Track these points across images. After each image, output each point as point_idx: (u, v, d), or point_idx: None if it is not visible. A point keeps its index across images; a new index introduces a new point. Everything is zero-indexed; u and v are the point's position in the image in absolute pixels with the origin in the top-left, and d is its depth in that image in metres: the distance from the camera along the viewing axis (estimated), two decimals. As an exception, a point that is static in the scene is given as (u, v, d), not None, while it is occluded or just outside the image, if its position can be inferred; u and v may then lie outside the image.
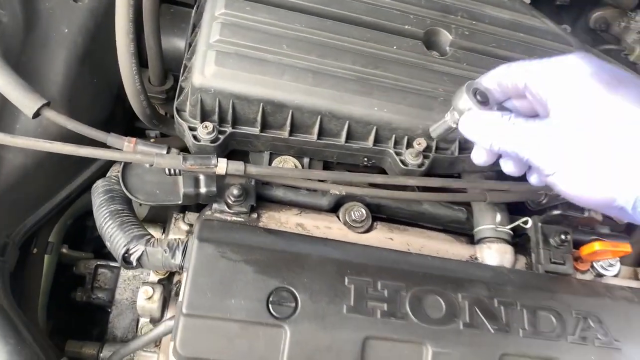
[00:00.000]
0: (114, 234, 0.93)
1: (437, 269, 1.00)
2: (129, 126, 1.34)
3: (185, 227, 1.19)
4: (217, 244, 0.91)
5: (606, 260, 1.20)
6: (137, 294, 1.36)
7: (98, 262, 1.38)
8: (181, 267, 0.93)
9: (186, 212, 1.18)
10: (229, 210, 1.00)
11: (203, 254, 0.89)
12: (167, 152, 0.98)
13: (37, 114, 0.92)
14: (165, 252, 0.92)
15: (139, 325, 1.07)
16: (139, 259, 0.92)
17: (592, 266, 1.22)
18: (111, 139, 0.96)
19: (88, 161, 1.16)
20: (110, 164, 1.16)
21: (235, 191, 0.98)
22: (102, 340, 1.30)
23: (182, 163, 0.92)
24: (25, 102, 0.90)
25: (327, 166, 1.22)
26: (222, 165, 0.94)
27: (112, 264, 1.39)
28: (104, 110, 1.16)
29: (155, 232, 1.28)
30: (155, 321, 1.09)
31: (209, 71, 1.03)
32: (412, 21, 1.16)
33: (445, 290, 0.97)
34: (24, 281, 1.14)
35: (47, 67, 1.02)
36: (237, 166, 0.95)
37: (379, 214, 1.20)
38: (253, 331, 0.87)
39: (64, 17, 1.05)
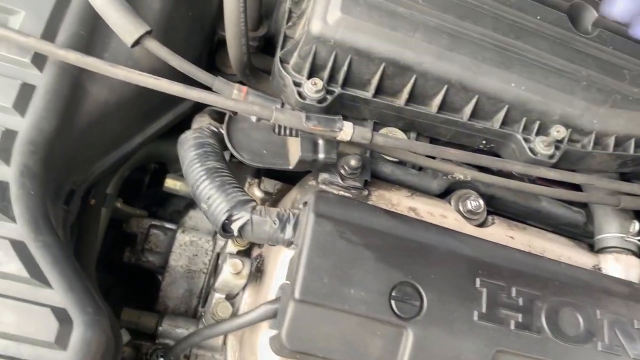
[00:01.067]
0: (214, 197, 0.79)
1: (572, 278, 0.86)
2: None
3: (260, 195, 1.05)
4: (335, 221, 0.77)
5: None
6: (193, 262, 1.23)
7: (152, 222, 1.23)
8: (290, 243, 0.79)
9: (262, 177, 1.03)
10: (340, 183, 0.85)
11: (320, 231, 0.75)
12: (282, 106, 0.83)
13: (136, 43, 0.76)
14: (275, 223, 0.78)
15: (212, 303, 0.93)
16: (241, 228, 0.78)
17: None
18: (219, 83, 0.81)
19: (167, 107, 1.01)
20: (191, 114, 1.01)
21: (353, 162, 0.83)
22: (153, 309, 1.17)
23: (304, 122, 0.77)
24: (127, 27, 0.75)
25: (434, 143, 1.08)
26: (347, 130, 0.79)
27: (168, 225, 1.24)
28: (195, 50, 1.00)
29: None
30: (231, 298, 0.95)
31: (333, 18, 0.87)
32: (559, -10, 1.00)
33: (583, 304, 0.84)
34: (81, 235, 1.00)
35: (145, -6, 0.86)
36: (363, 133, 0.80)
37: (489, 207, 1.05)
38: (372, 329, 0.74)
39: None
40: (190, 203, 1.24)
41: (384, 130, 1.01)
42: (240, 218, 0.78)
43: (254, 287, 0.95)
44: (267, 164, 0.82)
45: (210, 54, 1.12)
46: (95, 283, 1.00)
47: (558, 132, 0.95)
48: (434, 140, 1.06)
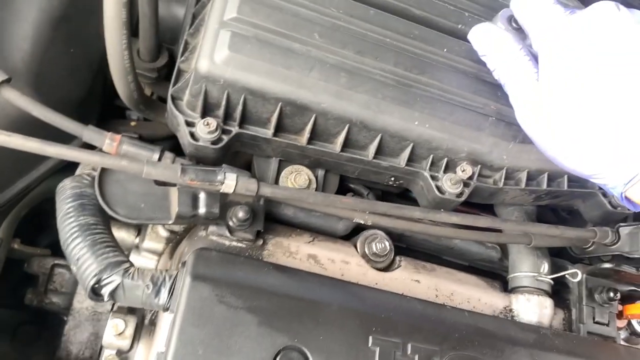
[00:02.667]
0: (83, 257, 0.72)
1: (474, 328, 0.83)
2: (108, 104, 1.11)
3: (165, 234, 0.99)
4: (214, 284, 0.71)
5: (646, 318, 1.06)
6: (99, 303, 1.16)
7: (55, 261, 1.16)
8: (166, 309, 0.73)
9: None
10: (229, 236, 0.80)
11: (197, 296, 0.70)
12: (160, 156, 0.77)
13: (-9, 92, 0.69)
14: (148, 288, 0.72)
15: (102, 358, 0.87)
16: (112, 293, 0.72)
17: (629, 323, 1.08)
18: (88, 133, 0.74)
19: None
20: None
21: (240, 214, 0.78)
22: (53, 355, 1.10)
23: (179, 176, 0.71)
24: (-23, 75, 0.68)
25: (342, 179, 1.03)
26: (230, 183, 0.74)
27: (73, 263, 1.17)
28: (80, 88, 0.93)
29: (128, 235, 1.08)
30: (122, 353, 0.89)
31: (220, 57, 0.81)
32: (467, 20, 0.96)
33: (484, 357, 0.80)
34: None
35: (12, 30, 0.78)
36: (248, 185, 0.75)
37: (400, 244, 1.02)
38: (252, 401, 0.69)
39: (37, -34, 0.81)
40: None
41: (289, 168, 0.97)
42: (111, 282, 0.71)
43: (147, 342, 0.89)
44: (145, 220, 0.76)
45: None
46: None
47: (464, 171, 0.92)
48: (343, 176, 1.02)
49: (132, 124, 1.13)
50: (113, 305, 0.99)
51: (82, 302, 1.12)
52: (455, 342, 0.80)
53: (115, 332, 0.79)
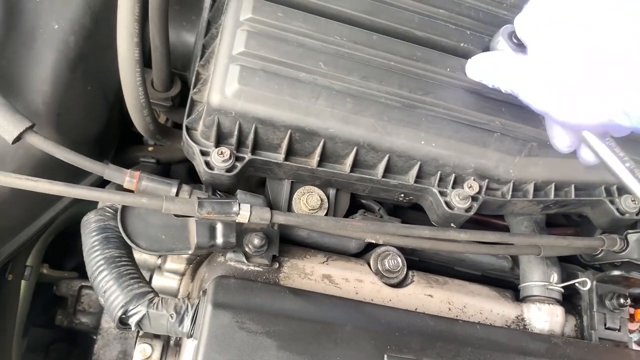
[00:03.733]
0: (110, 289, 0.77)
1: (486, 341, 0.86)
2: (125, 131, 1.16)
3: (185, 255, 1.04)
4: (234, 311, 0.75)
5: (659, 321, 1.08)
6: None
7: (82, 283, 1.22)
8: (190, 336, 0.77)
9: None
10: (246, 261, 0.84)
11: (218, 324, 0.74)
12: (178, 190, 0.81)
13: (18, 139, 0.74)
14: (172, 317, 0.76)
15: (131, 379, 0.92)
16: (138, 322, 0.76)
17: (642, 325, 1.09)
18: (109, 172, 0.78)
19: (77, 181, 0.98)
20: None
21: (256, 241, 0.82)
22: (86, 374, 1.16)
23: (197, 210, 0.75)
24: (5, 126, 0.72)
25: (354, 196, 1.06)
26: (244, 214, 0.77)
27: (100, 284, 1.22)
28: (99, 122, 0.97)
29: (150, 257, 1.12)
30: (150, 375, 0.93)
31: (231, 90, 0.85)
32: (469, 38, 0.98)
33: (496, 369, 0.83)
34: (-1, 311, 0.98)
35: (32, 73, 0.83)
36: (262, 214, 0.78)
37: (412, 257, 1.05)
38: (275, 422, 0.72)
39: (54, 10, 0.85)
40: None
41: (301, 190, 1.00)
42: (137, 313, 0.76)
43: (172, 362, 0.93)
44: (166, 251, 0.80)
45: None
46: (10, 356, 0.98)
47: (470, 187, 0.94)
48: (354, 194, 1.05)
49: (150, 149, 1.17)
50: (139, 327, 1.03)
51: (109, 322, 1.18)
52: (468, 356, 0.83)
53: (143, 356, 0.83)
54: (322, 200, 0.99)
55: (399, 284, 0.96)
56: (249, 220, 0.78)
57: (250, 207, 0.78)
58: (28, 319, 1.17)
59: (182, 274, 1.05)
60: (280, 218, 0.79)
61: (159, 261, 1.10)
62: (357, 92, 0.90)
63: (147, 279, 1.01)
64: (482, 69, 0.88)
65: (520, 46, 0.86)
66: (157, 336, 0.90)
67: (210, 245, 0.79)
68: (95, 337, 1.18)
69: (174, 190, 0.81)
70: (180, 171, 1.19)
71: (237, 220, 0.77)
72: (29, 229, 0.94)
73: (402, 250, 1.00)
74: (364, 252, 1.00)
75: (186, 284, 1.03)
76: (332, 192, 1.02)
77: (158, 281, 1.06)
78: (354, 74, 0.90)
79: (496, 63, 0.85)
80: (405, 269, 0.97)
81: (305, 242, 0.96)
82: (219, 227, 0.80)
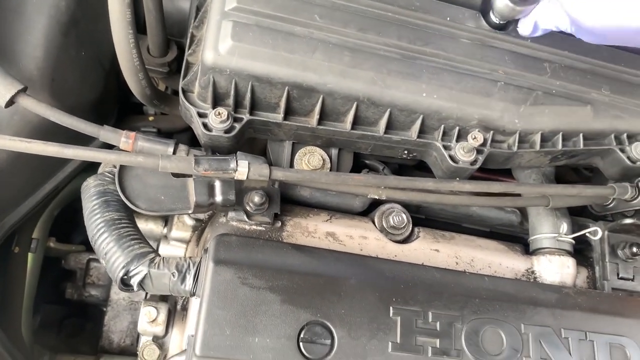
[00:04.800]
0: (111, 251, 0.76)
1: (494, 292, 0.84)
2: (125, 101, 1.15)
3: (191, 223, 1.03)
4: (236, 267, 0.74)
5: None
6: (135, 292, 1.21)
7: (90, 256, 1.22)
8: (193, 294, 0.77)
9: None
10: (248, 220, 0.83)
11: (220, 280, 0.73)
12: (175, 149, 0.80)
13: (10, 102, 0.73)
14: (174, 275, 0.76)
15: (140, 345, 0.92)
16: (141, 283, 0.76)
17: (657, 276, 1.07)
18: (105, 133, 0.77)
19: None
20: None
21: (256, 198, 0.80)
22: (96, 345, 1.16)
23: (194, 167, 0.74)
24: (-5, 87, 0.71)
25: (357, 156, 1.05)
26: (242, 170, 0.76)
27: (108, 257, 1.23)
28: (95, 89, 0.96)
29: (156, 226, 1.12)
30: (159, 339, 0.93)
31: (225, 47, 0.83)
32: (468, -14, 0.95)
33: (505, 320, 0.82)
34: (6, 284, 0.98)
35: (23, 39, 0.82)
36: (260, 170, 0.77)
37: (419, 215, 1.03)
38: (281, 375, 0.72)
39: (43, -25, 0.84)
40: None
41: (303, 150, 0.98)
42: (139, 273, 0.75)
43: (180, 327, 0.93)
44: (166, 211, 0.80)
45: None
46: (19, 329, 0.98)
47: (475, 138, 0.92)
48: (358, 153, 1.03)
49: (150, 118, 1.16)
50: (146, 294, 1.03)
51: (118, 293, 1.18)
52: (476, 307, 0.81)
53: (149, 319, 0.83)
54: (324, 160, 0.97)
55: (405, 241, 0.94)
56: (247, 177, 0.76)
57: (249, 163, 0.77)
58: (39, 295, 1.18)
59: (188, 242, 1.05)
60: (279, 174, 0.78)
61: (165, 231, 1.10)
62: (354, 44, 0.88)
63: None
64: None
65: None
66: (163, 299, 0.90)
67: (209, 203, 0.79)
68: (105, 309, 1.18)
69: (171, 149, 0.80)
70: (182, 140, 1.17)
71: (235, 178, 0.76)
72: (31, 199, 0.93)
73: (408, 207, 0.98)
74: (368, 211, 0.98)
75: (192, 250, 1.03)
76: (334, 151, 1.00)
77: (164, 250, 1.06)
78: (350, 26, 0.88)
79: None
80: (411, 226, 0.95)
81: (308, 202, 0.94)
82: (218, 185, 0.79)
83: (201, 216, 1.01)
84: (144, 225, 1.11)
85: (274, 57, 0.85)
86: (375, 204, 0.98)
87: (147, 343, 0.92)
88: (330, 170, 0.98)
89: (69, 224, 1.26)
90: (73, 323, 1.35)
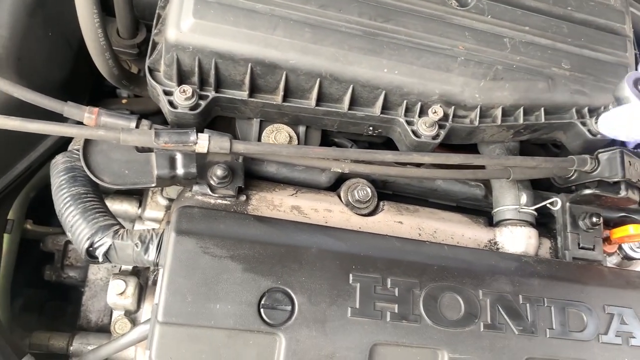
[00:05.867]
0: (76, 224, 0.78)
1: (454, 260, 0.87)
2: (98, 85, 1.16)
3: (164, 202, 1.05)
4: (198, 237, 0.76)
5: (637, 241, 1.08)
6: (112, 273, 1.23)
7: (68, 238, 1.23)
8: (156, 264, 0.79)
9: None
10: (212, 194, 0.85)
11: (182, 249, 0.75)
12: (137, 124, 0.82)
13: (-27, 79, 0.75)
14: (137, 246, 0.78)
15: (112, 319, 0.94)
16: (105, 254, 0.78)
17: (620, 247, 1.10)
18: (68, 109, 0.79)
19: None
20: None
21: (219, 171, 0.82)
22: (75, 323, 1.18)
23: (154, 140, 0.76)
24: (-42, 64, 0.73)
25: (326, 134, 1.07)
26: (203, 143, 0.78)
27: (85, 239, 1.24)
28: (63, 69, 0.98)
29: (131, 206, 1.14)
30: (131, 314, 0.96)
31: (186, 25, 0.85)
32: (429, -37, 0.97)
33: (464, 286, 0.84)
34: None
35: (-12, 19, 0.84)
36: (221, 143, 0.79)
37: (385, 190, 1.05)
38: (242, 340, 0.74)
39: (7, -46, 0.85)
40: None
41: (270, 128, 1.00)
42: (103, 244, 0.77)
43: (152, 301, 0.95)
44: (130, 184, 0.81)
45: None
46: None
47: (435, 112, 0.94)
48: (325, 131, 1.05)
49: (124, 101, 1.17)
50: (120, 269, 1.05)
51: (96, 273, 1.20)
52: (435, 274, 0.84)
53: (117, 291, 0.85)
54: (291, 137, 0.99)
55: (370, 214, 0.96)
56: (208, 150, 0.78)
57: (209, 136, 0.79)
58: (19, 279, 1.19)
59: (162, 221, 1.07)
60: (240, 147, 0.80)
61: (139, 211, 1.12)
62: (315, 21, 0.90)
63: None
64: (616, 126, 0.88)
65: None
66: (133, 273, 0.92)
67: (171, 176, 0.80)
68: (83, 290, 1.20)
69: (133, 124, 0.82)
70: (155, 122, 1.19)
71: (196, 150, 0.78)
72: (3, 179, 0.95)
73: (374, 183, 1.00)
74: (335, 186, 1.00)
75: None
76: (302, 129, 1.02)
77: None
78: (311, 2, 0.90)
79: (630, 119, 0.85)
80: (376, 200, 0.97)
81: (275, 177, 0.96)
82: (179, 158, 0.81)
83: (173, 195, 1.03)
84: (119, 206, 1.13)
85: (235, 34, 0.86)
86: (342, 179, 1.00)
87: (119, 317, 0.94)
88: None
89: (46, 207, 1.28)
90: (54, 306, 1.36)
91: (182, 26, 0.85)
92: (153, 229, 0.81)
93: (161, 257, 0.78)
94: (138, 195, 1.15)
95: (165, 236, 0.78)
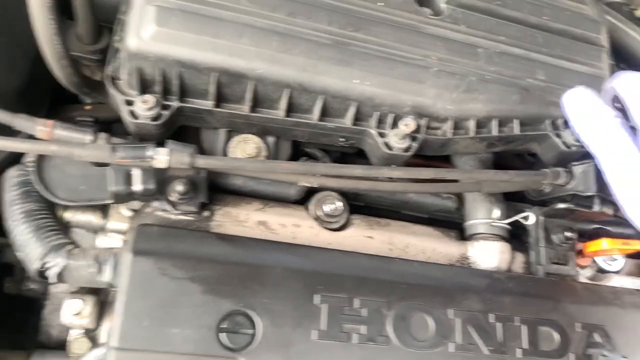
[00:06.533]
0: (27, 243, 0.75)
1: (424, 277, 0.85)
2: (62, 91, 1.11)
3: (128, 214, 1.01)
4: (156, 257, 0.73)
5: (611, 255, 1.07)
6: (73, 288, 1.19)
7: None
8: (111, 285, 0.75)
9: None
10: (173, 210, 0.81)
11: (138, 271, 0.72)
12: (95, 137, 0.78)
13: None
14: (92, 267, 0.74)
15: (70, 338, 0.90)
16: (59, 275, 0.74)
17: (594, 260, 1.08)
18: (19, 121, 0.75)
19: None
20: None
21: (179, 187, 0.79)
22: (35, 338, 1.13)
23: (109, 155, 0.72)
24: None
25: (297, 145, 1.03)
26: (161, 158, 0.74)
27: (47, 250, 1.20)
28: (19, 78, 0.93)
29: (95, 217, 1.10)
30: (90, 332, 0.92)
31: (148, 33, 0.81)
32: (402, -30, 0.94)
33: (433, 305, 0.82)
34: None
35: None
36: (181, 157, 0.75)
37: (357, 202, 1.03)
38: (202, 366, 0.71)
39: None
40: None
41: (237, 138, 0.97)
42: (56, 265, 0.74)
43: (110, 319, 0.91)
44: (85, 201, 0.78)
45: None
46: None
47: (406, 125, 0.91)
48: (296, 142, 1.02)
49: (87, 108, 1.13)
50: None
51: (58, 286, 1.15)
52: (404, 292, 0.81)
53: (73, 312, 0.81)
54: (259, 148, 0.96)
55: (340, 229, 0.94)
56: (167, 165, 0.75)
57: (169, 151, 0.75)
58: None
59: (126, 233, 1.03)
60: (202, 162, 0.76)
61: (103, 222, 1.08)
62: (283, 29, 0.87)
63: (94, 240, 0.98)
64: (580, 116, 0.82)
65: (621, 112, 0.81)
66: (92, 290, 0.88)
67: (128, 192, 0.77)
68: (44, 303, 1.15)
69: (89, 137, 0.78)
70: (120, 129, 1.15)
71: (154, 166, 0.75)
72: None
73: (345, 195, 0.98)
74: (306, 199, 0.97)
75: (129, 242, 1.01)
76: (271, 140, 0.99)
77: (103, 241, 1.04)
78: (279, 10, 0.87)
79: (600, 131, 0.78)
80: (347, 214, 0.95)
81: (241, 190, 0.93)
82: (137, 174, 0.77)
83: (137, 206, 0.99)
84: (82, 216, 1.08)
85: (199, 42, 0.83)
86: (312, 192, 0.97)
87: (78, 337, 0.90)
88: (268, 158, 0.97)
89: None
90: (17, 318, 1.32)
91: (143, 34, 0.81)
92: (110, 249, 0.77)
93: (117, 278, 0.74)
94: (102, 206, 1.11)
95: (121, 256, 0.74)
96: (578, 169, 0.96)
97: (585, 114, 0.81)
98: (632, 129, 0.81)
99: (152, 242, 0.74)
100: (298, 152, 1.05)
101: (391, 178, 0.92)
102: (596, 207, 0.96)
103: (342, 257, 0.83)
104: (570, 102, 0.84)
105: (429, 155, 1.02)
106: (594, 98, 0.81)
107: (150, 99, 0.85)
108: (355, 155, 1.12)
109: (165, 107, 0.87)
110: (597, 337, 0.88)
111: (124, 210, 1.01)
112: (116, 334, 0.69)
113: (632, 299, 0.95)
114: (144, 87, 0.87)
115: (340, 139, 0.97)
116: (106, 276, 0.75)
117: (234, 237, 0.80)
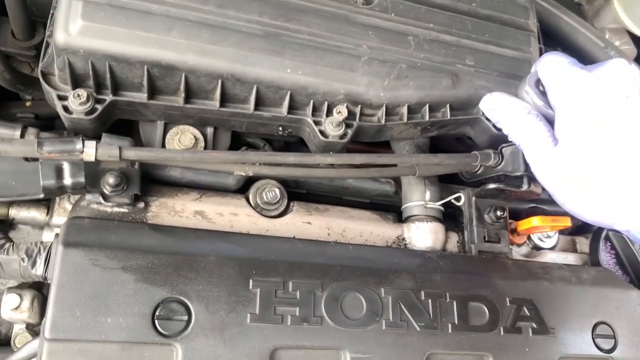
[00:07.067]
0: (-43, 239, 0.75)
1: (357, 259, 0.87)
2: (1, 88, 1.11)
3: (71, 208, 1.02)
4: (87, 249, 0.74)
5: (544, 232, 1.12)
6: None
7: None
8: (45, 278, 0.76)
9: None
10: (106, 202, 0.82)
11: (70, 262, 0.73)
12: (22, 133, 0.78)
13: None
14: (23, 260, 0.75)
15: (12, 333, 0.91)
16: (-8, 270, 0.75)
17: (529, 237, 1.13)
18: (-57, 118, 0.75)
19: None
20: None
21: (111, 180, 0.80)
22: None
23: (37, 150, 0.72)
24: None
25: (238, 135, 1.05)
26: (90, 151, 0.75)
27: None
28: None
29: (39, 213, 1.10)
30: (33, 327, 0.92)
31: (75, 28, 0.82)
32: (331, -40, 0.96)
33: (366, 285, 0.85)
34: None
35: None
36: (110, 150, 0.76)
37: (298, 189, 1.05)
38: (137, 353, 0.73)
39: None
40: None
41: (174, 130, 0.98)
42: (-13, 260, 0.74)
43: (53, 313, 0.92)
44: (17, 196, 0.79)
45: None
46: None
47: (339, 112, 0.94)
48: (235, 132, 1.04)
49: (28, 104, 1.12)
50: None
51: (5, 283, 1.15)
52: (337, 274, 0.84)
53: (11, 306, 0.82)
54: (196, 139, 0.97)
55: (280, 215, 0.96)
56: (95, 158, 0.76)
57: (96, 144, 0.76)
58: None
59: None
60: (131, 154, 0.77)
61: (47, 217, 1.08)
62: (214, 21, 0.88)
63: (39, 236, 0.99)
64: (499, 113, 0.91)
65: (545, 94, 0.87)
66: (31, 286, 0.89)
67: (58, 187, 0.78)
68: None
69: (17, 132, 0.78)
70: (63, 125, 1.15)
71: (83, 159, 0.75)
72: None
73: (286, 183, 1.00)
74: (245, 189, 0.99)
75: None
76: (209, 130, 1.00)
77: (48, 236, 1.04)
78: (209, 3, 0.88)
79: (519, 128, 0.86)
80: (286, 201, 0.97)
81: (180, 182, 0.94)
82: (67, 168, 0.78)
83: (82, 201, 1.00)
84: (26, 213, 1.08)
85: (128, 36, 0.84)
86: (252, 181, 0.99)
87: (20, 331, 0.90)
88: (205, 149, 0.98)
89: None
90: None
91: (70, 29, 0.82)
92: (42, 242, 0.78)
93: (49, 271, 0.75)
94: (47, 201, 1.11)
95: (53, 249, 0.75)
96: (507, 150, 0.99)
97: (503, 115, 0.89)
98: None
99: (83, 234, 0.75)
100: (240, 142, 1.07)
101: (332, 165, 0.95)
102: (524, 186, 1.00)
103: (277, 243, 0.85)
104: (487, 106, 0.93)
105: (366, 141, 1.05)
106: (509, 98, 0.89)
107: (83, 93, 0.86)
108: (300, 144, 1.14)
109: (99, 101, 0.88)
110: (526, 311, 0.93)
111: (68, 205, 1.02)
112: (48, 325, 0.70)
113: (561, 273, 1.00)
114: (77, 82, 0.87)
115: (279, 128, 0.99)
116: (39, 270, 0.76)
117: (167, 227, 0.81)
